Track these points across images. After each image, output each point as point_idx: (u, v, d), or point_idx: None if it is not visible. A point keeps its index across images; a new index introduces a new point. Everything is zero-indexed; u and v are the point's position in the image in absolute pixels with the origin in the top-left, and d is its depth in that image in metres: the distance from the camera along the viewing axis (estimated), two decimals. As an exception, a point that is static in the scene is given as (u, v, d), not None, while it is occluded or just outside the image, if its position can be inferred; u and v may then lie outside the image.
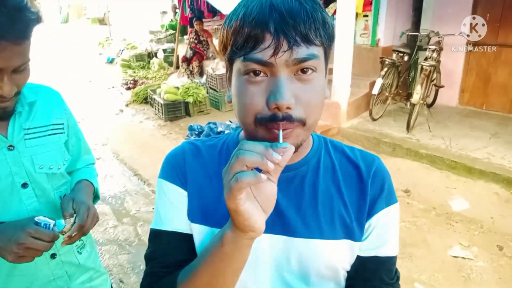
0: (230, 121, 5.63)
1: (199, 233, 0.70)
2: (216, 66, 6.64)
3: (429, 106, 5.29)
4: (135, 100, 7.11)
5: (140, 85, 7.71)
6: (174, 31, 9.88)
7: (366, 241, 0.70)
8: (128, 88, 7.76)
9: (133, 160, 4.56)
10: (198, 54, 7.67)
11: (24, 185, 1.00)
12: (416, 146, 4.16)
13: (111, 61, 10.50)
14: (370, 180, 0.70)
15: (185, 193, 0.71)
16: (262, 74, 0.56)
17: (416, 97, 4.24)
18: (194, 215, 0.71)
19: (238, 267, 0.60)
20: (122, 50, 10.37)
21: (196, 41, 7.70)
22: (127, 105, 7.01)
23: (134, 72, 8.94)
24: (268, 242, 0.67)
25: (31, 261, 0.90)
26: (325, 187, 0.70)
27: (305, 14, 0.55)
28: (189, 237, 0.72)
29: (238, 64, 0.58)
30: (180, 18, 8.97)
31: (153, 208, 2.24)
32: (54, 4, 23.07)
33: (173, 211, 0.72)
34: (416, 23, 5.67)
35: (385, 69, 4.70)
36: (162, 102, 6.03)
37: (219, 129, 5.37)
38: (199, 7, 8.01)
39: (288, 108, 0.55)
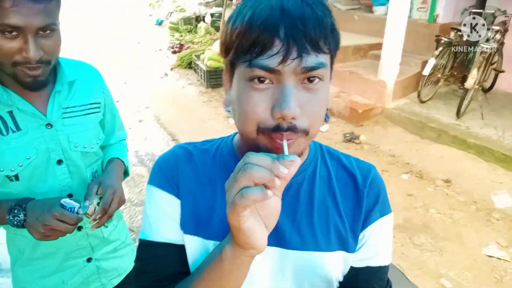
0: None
1: (191, 244, 0.68)
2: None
3: (486, 91, 4.90)
4: (180, 65, 7.20)
5: (185, 49, 7.77)
6: (224, -5, 9.73)
7: (360, 252, 0.69)
8: (174, 52, 7.85)
9: (173, 125, 4.69)
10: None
11: (59, 162, 1.05)
12: (465, 134, 3.91)
13: (160, 23, 10.61)
14: (366, 190, 0.69)
15: (177, 201, 0.68)
16: (267, 81, 0.53)
17: (470, 81, 3.93)
18: (186, 226, 0.68)
19: (236, 284, 0.59)
20: (171, 13, 10.42)
21: (243, 7, 7.54)
22: (171, 69, 7.12)
23: (181, 36, 8.99)
24: (263, 253, 0.63)
25: (55, 239, 0.95)
26: (321, 197, 0.68)
27: (316, 20, 0.52)
28: (182, 248, 0.69)
29: (242, 69, 0.55)
30: (229, -18, 8.79)
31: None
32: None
33: (165, 220, 0.68)
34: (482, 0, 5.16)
35: (440, 48, 4.36)
36: (204, 68, 6.06)
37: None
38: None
39: (293, 118, 0.53)
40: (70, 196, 1.07)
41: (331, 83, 0.61)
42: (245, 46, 0.53)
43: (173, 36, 9.10)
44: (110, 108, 1.22)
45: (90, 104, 1.11)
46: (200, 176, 0.69)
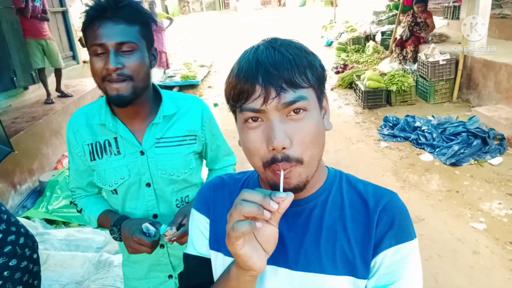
0: (433, 116, 5.05)
1: (215, 259, 0.78)
2: (430, 52, 5.96)
3: None
4: (341, 85, 7.27)
5: (349, 69, 7.79)
6: (397, 12, 9.31)
7: (373, 279, 0.67)
8: (337, 72, 7.97)
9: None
10: (415, 38, 7.02)
11: (148, 185, 1.18)
12: None
13: (329, 44, 10.92)
14: (377, 216, 0.69)
15: (207, 220, 0.80)
16: (259, 119, 0.63)
17: None
18: (212, 243, 0.79)
19: None
20: (341, 33, 10.60)
21: (413, 24, 7.06)
22: (331, 89, 7.26)
23: (347, 56, 9.05)
24: (271, 273, 0.71)
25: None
26: (331, 222, 0.70)
27: (288, 62, 0.61)
28: (208, 261, 0.80)
29: (238, 115, 0.66)
30: (403, -2, 8.38)
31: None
32: (295, -11, 25.52)
33: (198, 236, 0.81)
34: None
35: None
36: (363, 89, 5.96)
37: (417, 124, 4.93)
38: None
39: (284, 148, 0.61)
40: (155, 216, 1.22)
41: (324, 111, 0.69)
42: (236, 96, 0.64)
43: (339, 56, 9.24)
44: (214, 138, 1.28)
45: (184, 136, 1.19)
46: (228, 202, 0.80)
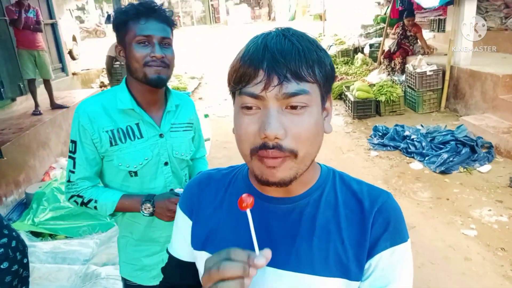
0: (422, 126, 5.11)
1: (201, 259, 0.74)
2: (418, 63, 6.06)
3: None
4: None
5: (338, 81, 7.88)
6: (385, 25, 9.51)
7: (367, 282, 0.65)
8: (327, 83, 8.04)
9: (311, 154, 4.79)
10: (403, 50, 7.16)
11: (166, 164, 1.35)
12: None
13: (319, 56, 11.05)
14: (373, 217, 0.66)
15: (190, 222, 0.77)
16: (255, 107, 0.60)
17: None
18: (197, 243, 0.75)
19: None
20: (330, 46, 10.75)
21: (402, 36, 7.20)
22: (322, 100, 7.31)
23: (337, 68, 9.17)
24: (263, 273, 0.67)
25: None
26: (324, 222, 0.67)
27: (296, 53, 0.58)
28: (190, 265, 0.78)
29: (236, 99, 0.64)
30: (390, 11, 8.56)
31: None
32: (285, 3, 25.93)
33: (179, 238, 0.79)
34: None
35: None
36: (352, 99, 6.02)
37: (406, 133, 4.97)
38: (409, 0, 7.41)
39: (277, 138, 0.58)
40: (171, 190, 1.36)
41: (326, 111, 0.66)
42: (237, 78, 0.61)
43: (329, 68, 9.34)
44: (198, 129, 1.53)
45: (187, 123, 1.42)
46: (214, 199, 0.77)
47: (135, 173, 1.30)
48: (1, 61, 4.80)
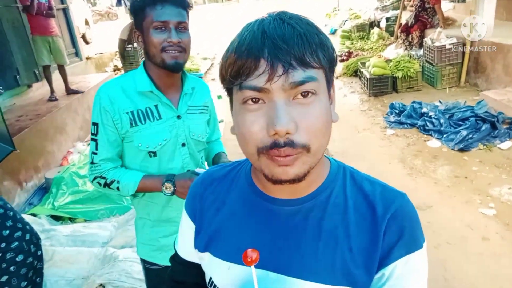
0: (440, 102, 4.95)
1: (205, 260, 0.72)
2: (437, 36, 5.83)
3: None
4: (345, 73, 7.19)
5: (354, 57, 7.69)
6: (402, -3, 9.14)
7: None
8: (342, 61, 7.86)
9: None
10: (421, 23, 6.88)
11: (183, 145, 1.38)
12: None
13: (333, 32, 10.78)
14: (386, 224, 0.61)
15: (193, 226, 0.75)
16: (260, 101, 0.55)
17: None
18: (200, 245, 0.73)
19: None
20: (345, 21, 10.45)
21: (420, 8, 6.92)
22: (336, 78, 7.17)
23: (352, 43, 8.93)
24: (264, 279, 0.64)
25: None
26: (331, 227, 0.63)
27: (299, 37, 0.53)
28: (194, 265, 0.76)
29: (236, 94, 0.58)
30: (408, -18, 8.20)
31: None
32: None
33: (183, 239, 0.79)
34: None
35: None
36: (368, 76, 5.87)
37: (423, 110, 4.84)
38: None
39: (288, 133, 0.53)
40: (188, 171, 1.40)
41: (332, 99, 0.62)
42: (235, 71, 0.55)
43: (344, 44, 9.12)
44: (213, 113, 1.56)
45: (203, 106, 1.45)
46: (217, 199, 0.73)
47: (154, 154, 1.33)
48: (15, 48, 4.85)
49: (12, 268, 1.04)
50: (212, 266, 0.70)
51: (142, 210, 1.43)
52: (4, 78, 4.73)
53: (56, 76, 5.33)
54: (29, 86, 5.35)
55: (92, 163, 1.32)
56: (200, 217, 0.74)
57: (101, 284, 2.12)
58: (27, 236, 1.09)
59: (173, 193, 1.29)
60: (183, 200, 1.26)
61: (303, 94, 0.54)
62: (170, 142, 1.34)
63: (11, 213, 1.08)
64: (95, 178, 1.32)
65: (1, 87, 1.92)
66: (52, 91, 5.06)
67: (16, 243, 1.05)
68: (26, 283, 1.07)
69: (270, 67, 0.52)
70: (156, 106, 1.32)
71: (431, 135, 4.33)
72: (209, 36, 13.09)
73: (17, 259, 1.05)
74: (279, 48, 0.52)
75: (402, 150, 4.12)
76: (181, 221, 0.80)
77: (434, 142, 4.17)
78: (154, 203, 1.39)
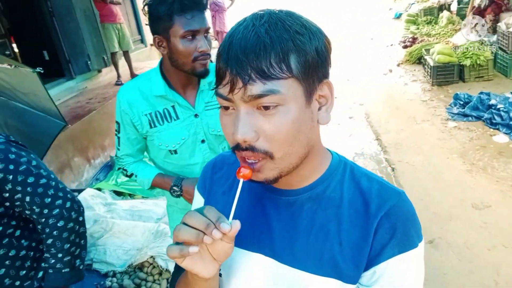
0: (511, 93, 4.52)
1: None
2: (513, 20, 5.30)
3: None
4: (408, 60, 6.81)
5: (418, 43, 7.25)
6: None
7: None
8: (405, 47, 7.46)
9: (380, 124, 4.58)
10: (495, 5, 6.28)
11: (203, 141, 1.41)
12: None
13: (398, 17, 10.20)
14: (378, 221, 0.62)
15: (202, 200, 0.80)
16: (231, 107, 0.58)
17: None
18: None
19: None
20: (412, 4, 9.83)
21: (496, -11, 6.30)
22: (398, 65, 6.83)
23: (417, 28, 8.39)
24: (259, 262, 0.69)
25: None
26: (324, 220, 0.65)
27: (262, 48, 0.53)
28: None
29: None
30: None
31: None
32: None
33: None
34: None
35: None
36: (431, 64, 5.52)
37: (492, 101, 4.48)
38: None
39: (245, 141, 0.56)
40: None
41: (324, 104, 0.61)
42: (216, 76, 0.59)
43: (408, 29, 8.60)
44: None
45: None
46: (225, 183, 0.78)
47: (175, 151, 1.39)
48: (87, 36, 5.26)
49: (55, 232, 1.18)
50: None
51: (171, 198, 1.51)
52: (77, 63, 5.18)
53: (122, 62, 5.71)
54: (99, 71, 5.79)
55: (116, 156, 1.47)
56: (208, 196, 0.79)
57: (152, 256, 2.31)
58: (68, 204, 1.21)
59: (179, 196, 1.35)
60: None
61: (266, 105, 0.54)
62: (189, 140, 1.37)
63: (53, 183, 1.20)
64: (119, 168, 1.48)
65: (40, 68, 2.16)
66: (118, 76, 5.44)
67: (57, 210, 1.18)
68: (68, 245, 1.20)
69: (231, 79, 0.54)
70: (173, 106, 1.36)
71: (498, 129, 4.00)
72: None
73: (58, 224, 1.18)
74: (239, 61, 0.53)
75: (463, 145, 3.87)
76: (193, 201, 0.85)
77: (501, 137, 3.85)
78: None
